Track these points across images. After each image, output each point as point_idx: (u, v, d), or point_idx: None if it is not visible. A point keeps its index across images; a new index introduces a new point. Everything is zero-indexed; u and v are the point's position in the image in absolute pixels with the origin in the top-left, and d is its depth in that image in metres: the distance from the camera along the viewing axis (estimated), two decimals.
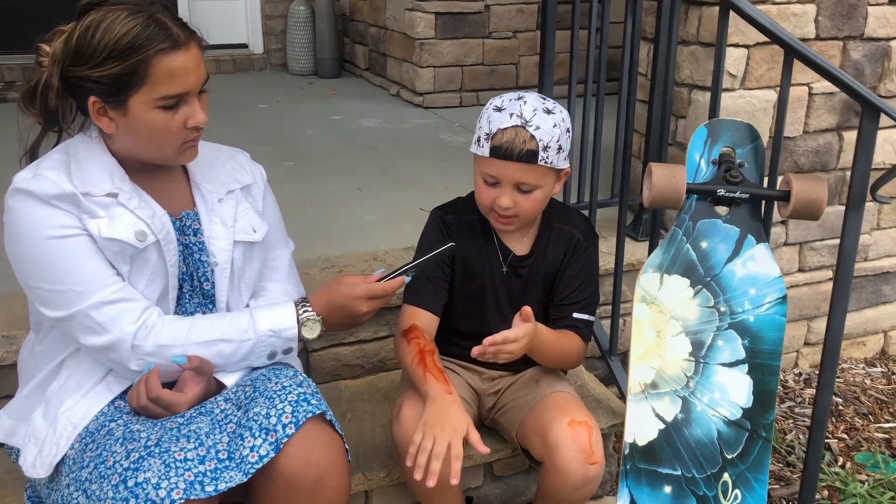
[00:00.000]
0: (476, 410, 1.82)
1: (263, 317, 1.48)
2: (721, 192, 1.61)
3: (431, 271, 1.69)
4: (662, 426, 1.63)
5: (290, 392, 1.39)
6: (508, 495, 1.98)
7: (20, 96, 1.44)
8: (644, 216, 2.42)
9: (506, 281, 1.75)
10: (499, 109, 1.56)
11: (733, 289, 1.65)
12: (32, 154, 1.48)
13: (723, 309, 1.65)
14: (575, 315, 1.73)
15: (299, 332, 1.49)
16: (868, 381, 2.71)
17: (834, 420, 2.50)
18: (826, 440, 2.41)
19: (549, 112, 1.56)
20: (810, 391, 2.64)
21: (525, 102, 1.56)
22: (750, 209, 1.65)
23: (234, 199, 1.58)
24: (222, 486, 1.28)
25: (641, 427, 1.63)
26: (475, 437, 1.45)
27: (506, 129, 1.53)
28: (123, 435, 1.34)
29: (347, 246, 2.36)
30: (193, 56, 1.38)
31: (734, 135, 1.66)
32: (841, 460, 2.32)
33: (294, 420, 1.35)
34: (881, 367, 2.81)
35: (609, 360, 2.09)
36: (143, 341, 1.40)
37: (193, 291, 1.54)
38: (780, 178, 1.67)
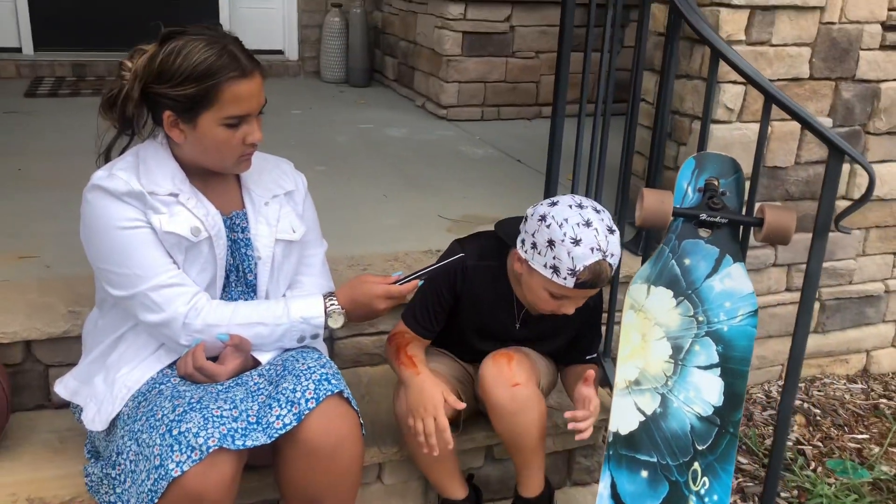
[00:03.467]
0: (471, 392, 2.00)
1: (296, 306, 1.71)
2: (703, 216, 1.82)
3: (432, 298, 1.85)
4: (643, 418, 1.84)
5: (314, 372, 1.62)
6: (506, 476, 2.20)
7: (101, 103, 1.67)
8: (645, 233, 2.63)
9: (517, 331, 1.94)
10: (576, 242, 1.60)
11: (711, 301, 1.86)
12: (107, 154, 1.72)
13: (701, 318, 1.86)
14: (587, 358, 2.00)
15: (326, 321, 1.72)
16: (847, 396, 2.91)
17: (811, 429, 2.70)
18: (801, 446, 2.61)
19: (611, 231, 1.64)
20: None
21: (597, 231, 1.61)
22: (729, 233, 1.87)
23: (279, 202, 1.81)
24: (249, 443, 1.50)
25: (624, 419, 1.84)
26: (451, 398, 1.72)
27: (591, 264, 1.61)
28: (171, 394, 1.58)
29: (371, 247, 2.55)
30: (257, 83, 1.61)
31: (719, 167, 1.88)
32: (813, 465, 2.52)
33: (316, 396, 1.58)
34: (862, 383, 3.00)
35: (603, 362, 2.30)
36: (192, 320, 1.63)
37: (238, 281, 1.77)
38: (756, 206, 1.88)
